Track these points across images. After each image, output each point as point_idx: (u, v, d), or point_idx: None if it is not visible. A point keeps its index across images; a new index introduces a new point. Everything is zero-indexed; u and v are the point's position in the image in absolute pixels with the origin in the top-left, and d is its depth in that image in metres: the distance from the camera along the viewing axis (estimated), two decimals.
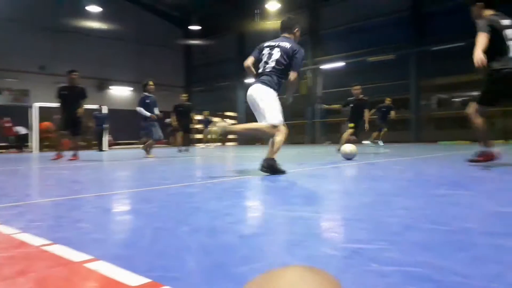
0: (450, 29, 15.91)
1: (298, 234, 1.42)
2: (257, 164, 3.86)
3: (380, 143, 12.01)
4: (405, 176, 3.51)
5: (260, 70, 4.02)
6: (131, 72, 24.09)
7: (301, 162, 5.53)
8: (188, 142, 12.22)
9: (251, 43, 23.43)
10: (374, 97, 18.98)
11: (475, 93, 17.80)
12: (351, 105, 8.85)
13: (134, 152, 13.52)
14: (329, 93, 20.65)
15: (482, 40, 3.72)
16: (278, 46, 4.00)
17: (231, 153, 10.75)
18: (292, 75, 3.87)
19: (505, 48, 3.81)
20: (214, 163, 6.38)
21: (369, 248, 1.18)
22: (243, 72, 20.32)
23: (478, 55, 3.60)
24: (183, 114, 11.38)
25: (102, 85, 22.00)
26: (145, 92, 8.66)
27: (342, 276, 0.95)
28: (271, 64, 3.90)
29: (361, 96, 8.72)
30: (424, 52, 16.98)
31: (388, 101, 13.00)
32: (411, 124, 17.83)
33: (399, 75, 17.42)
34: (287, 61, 3.87)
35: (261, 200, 2.33)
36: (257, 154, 9.11)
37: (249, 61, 4.08)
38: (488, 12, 4.04)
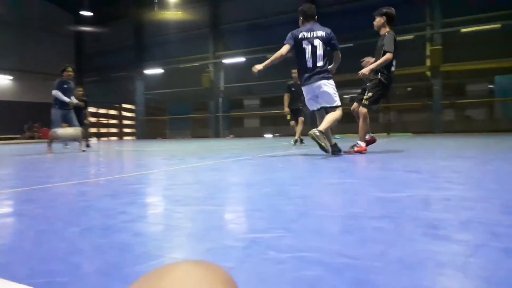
0: (340, 30, 17.21)
1: (198, 228, 1.40)
2: (154, 159, 3.73)
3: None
4: (301, 167, 3.71)
5: (310, 65, 4.65)
6: (11, 59, 21.44)
7: (202, 156, 5.50)
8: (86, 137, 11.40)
9: (149, 32, 22.57)
10: (272, 93, 19.83)
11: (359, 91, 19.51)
12: (293, 89, 8.94)
13: (17, 148, 12.12)
14: (231, 87, 20.92)
15: (388, 57, 4.73)
16: (317, 37, 4.63)
17: (130, 148, 10.26)
18: (338, 54, 4.87)
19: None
20: (111, 158, 6.02)
21: (267, 237, 1.21)
22: (142, 63, 19.41)
23: (367, 70, 4.77)
24: (78, 109, 10.61)
25: None
26: (63, 77, 7.87)
27: (241, 266, 0.96)
28: (320, 59, 4.63)
29: None
30: None
31: None
32: (307, 119, 18.89)
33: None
34: (327, 47, 4.68)
35: (160, 196, 2.26)
36: (157, 149, 8.84)
37: (285, 50, 4.70)
38: (389, 28, 4.96)
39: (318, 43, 4.60)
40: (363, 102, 5.05)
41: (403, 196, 1.88)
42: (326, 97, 4.73)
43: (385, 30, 5.00)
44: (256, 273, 0.92)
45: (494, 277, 0.86)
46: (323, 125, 4.55)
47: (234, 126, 22.48)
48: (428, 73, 15.97)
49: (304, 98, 6.93)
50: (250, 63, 20.17)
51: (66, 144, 10.05)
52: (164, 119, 24.25)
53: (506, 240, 1.13)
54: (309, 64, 4.64)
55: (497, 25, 14.52)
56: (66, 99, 7.49)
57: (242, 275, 0.92)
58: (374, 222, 1.39)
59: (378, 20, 5.02)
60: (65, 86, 7.67)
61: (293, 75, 8.96)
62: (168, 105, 23.73)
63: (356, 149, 5.03)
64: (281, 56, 4.69)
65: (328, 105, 4.76)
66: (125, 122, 30.05)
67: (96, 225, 1.45)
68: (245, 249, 1.11)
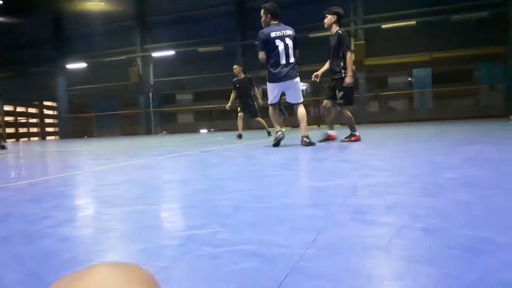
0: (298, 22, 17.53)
1: (129, 229, 1.34)
2: (80, 160, 3.52)
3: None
4: (236, 162, 3.73)
5: (283, 62, 4.85)
6: None
7: (133, 154, 5.31)
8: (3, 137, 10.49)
9: (70, 24, 21.13)
10: (203, 87, 19.65)
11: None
12: (237, 85, 9.00)
13: None
14: (162, 82, 20.35)
15: (351, 57, 5.20)
16: (287, 36, 4.88)
17: (53, 148, 9.59)
18: (297, 52, 5.01)
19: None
20: (32, 160, 5.58)
21: (202, 233, 1.20)
22: (64, 57, 18.11)
23: (351, 79, 5.26)
24: None
25: None
26: None
27: (174, 264, 0.94)
28: (292, 56, 4.89)
29: (243, 75, 9.01)
30: (248, 45, 18.26)
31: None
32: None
33: (228, 66, 18.35)
34: (295, 45, 4.95)
35: (88, 198, 2.14)
36: (83, 148, 8.38)
37: (264, 56, 4.87)
38: (338, 27, 5.25)
39: (288, 41, 4.87)
40: (338, 102, 5.37)
41: (333, 185, 1.97)
42: (296, 94, 5.08)
43: (336, 29, 5.26)
44: (191, 270, 0.91)
45: (415, 255, 0.93)
46: (304, 130, 5.01)
47: (167, 122, 21.94)
48: (353, 66, 16.84)
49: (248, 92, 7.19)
50: (180, 57, 19.80)
51: None
52: (90, 117, 22.94)
53: (425, 221, 1.23)
54: (283, 60, 4.84)
55: (412, 22, 15.70)
56: None
57: (176, 273, 0.90)
58: (306, 210, 1.43)
59: (329, 19, 5.26)
60: None
61: (235, 71, 9.18)
62: (94, 102, 22.47)
63: (352, 138, 5.41)
64: (263, 60, 4.93)
65: (294, 102, 5.09)
66: (47, 120, 28.02)
67: (17, 232, 1.34)
68: (180, 246, 1.09)
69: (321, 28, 6.12)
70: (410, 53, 15.93)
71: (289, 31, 4.94)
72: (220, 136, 10.68)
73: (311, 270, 0.85)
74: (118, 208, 1.68)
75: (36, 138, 26.06)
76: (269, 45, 4.84)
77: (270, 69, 4.91)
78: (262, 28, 4.93)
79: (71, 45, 21.23)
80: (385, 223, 1.22)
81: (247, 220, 1.34)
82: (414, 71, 16.73)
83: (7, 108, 22.79)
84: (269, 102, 5.10)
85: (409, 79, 17.51)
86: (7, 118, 22.19)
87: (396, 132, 8.26)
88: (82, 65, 20.75)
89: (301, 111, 5.07)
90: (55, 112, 24.38)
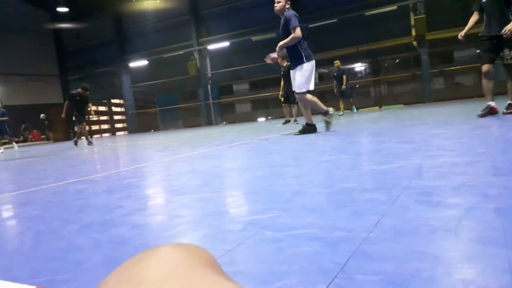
0: (323, 7, 17.10)
1: (195, 216, 1.41)
2: (148, 152, 3.71)
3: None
4: (294, 148, 3.72)
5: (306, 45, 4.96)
6: None
7: (196, 145, 5.50)
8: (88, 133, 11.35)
9: (130, 24, 22.17)
10: (259, 76, 19.71)
11: (352, 66, 19.45)
12: (281, 73, 10.07)
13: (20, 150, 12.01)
14: (219, 73, 20.75)
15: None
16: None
17: (123, 143, 10.20)
18: None
19: None
20: (105, 154, 5.99)
21: (263, 218, 1.23)
22: (126, 56, 19.08)
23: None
24: (82, 104, 10.49)
25: None
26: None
27: (238, 248, 0.98)
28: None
29: (285, 62, 9.70)
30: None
31: (337, 63, 12.83)
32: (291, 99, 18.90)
33: None
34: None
35: (156, 187, 2.27)
36: (150, 142, 8.81)
37: (300, 32, 4.80)
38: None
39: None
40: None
41: (395, 167, 1.91)
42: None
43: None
44: (254, 253, 0.94)
45: (485, 237, 0.88)
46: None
47: (226, 113, 22.40)
48: (415, 42, 15.94)
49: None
50: (234, 47, 20.02)
51: (75, 143, 10.31)
52: (154, 111, 24.06)
53: (497, 201, 1.16)
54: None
55: None
56: None
57: (240, 256, 0.93)
58: (367, 194, 1.41)
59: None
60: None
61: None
62: (157, 97, 23.52)
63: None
64: (298, 38, 4.83)
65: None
66: (116, 117, 29.83)
67: (94, 221, 1.46)
68: (242, 231, 1.12)
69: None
70: (477, 22, 14.70)
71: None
72: (278, 124, 10.69)
73: (374, 253, 0.84)
74: (185, 196, 1.77)
75: (107, 134, 27.88)
76: (301, 22, 4.90)
77: (303, 47, 4.91)
78: (296, 13, 4.96)
79: (132, 44, 22.31)
80: (453, 205, 1.16)
81: (307, 205, 1.35)
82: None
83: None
84: (310, 88, 4.96)
85: (477, 51, 16.23)
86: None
87: (464, 109, 7.73)
88: (144, 62, 21.73)
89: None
90: (123, 109, 25.88)
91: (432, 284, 0.68)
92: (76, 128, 10.63)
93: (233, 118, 21.82)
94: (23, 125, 21.62)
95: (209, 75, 20.97)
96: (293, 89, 5.05)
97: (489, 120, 4.33)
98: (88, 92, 10.36)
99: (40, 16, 23.73)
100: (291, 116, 10.31)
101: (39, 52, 23.46)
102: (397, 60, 18.39)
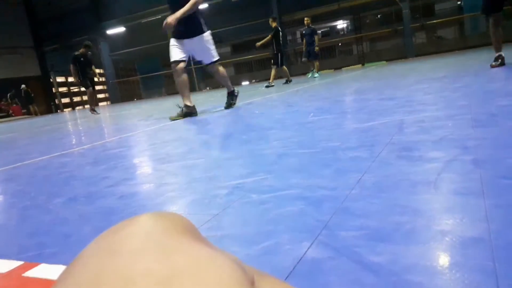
0: None
1: (181, 183, 1.42)
2: (132, 122, 3.66)
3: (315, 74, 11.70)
4: (278, 110, 3.72)
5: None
6: None
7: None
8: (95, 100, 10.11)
9: None
10: (240, 38, 19.32)
11: (333, 24, 19.11)
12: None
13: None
14: None
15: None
16: None
17: (106, 114, 10.03)
18: None
19: None
20: (89, 126, 5.90)
21: (249, 181, 1.24)
22: (103, 23, 18.37)
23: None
24: (86, 66, 9.29)
25: None
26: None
27: (224, 212, 0.99)
28: None
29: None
30: None
31: (307, 21, 11.46)
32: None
33: (263, 13, 17.83)
34: None
35: (142, 157, 2.26)
36: (133, 111, 8.69)
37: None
38: None
39: None
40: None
41: (377, 124, 1.93)
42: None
43: None
44: (240, 215, 0.96)
45: (465, 188, 0.91)
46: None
47: (209, 78, 22.07)
48: None
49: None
50: (213, 9, 19.42)
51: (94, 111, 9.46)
52: (135, 80, 23.57)
53: (476, 152, 1.19)
54: None
55: None
56: None
57: (227, 219, 0.95)
58: (350, 152, 1.43)
59: None
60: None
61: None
62: (137, 65, 22.96)
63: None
64: (201, 2, 4.24)
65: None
66: (97, 87, 29.18)
67: (80, 193, 1.46)
68: (228, 195, 1.13)
69: None
70: None
71: None
72: (261, 87, 10.61)
73: (356, 210, 0.87)
74: (170, 164, 1.77)
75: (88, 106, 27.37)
76: None
77: (201, 13, 4.45)
78: None
79: (109, 10, 21.44)
80: (433, 158, 1.19)
81: (291, 166, 1.36)
82: None
83: (59, 79, 23.92)
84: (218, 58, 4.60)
85: (458, 3, 16.10)
86: (60, 89, 23.37)
87: (445, 62, 7.76)
88: (121, 29, 21.01)
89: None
90: (103, 79, 25.26)
91: (412, 236, 0.70)
92: (88, 93, 9.62)
93: (216, 84, 21.54)
94: (9, 94, 20.89)
95: None
96: (207, 60, 4.51)
97: (489, 71, 4.37)
98: (90, 53, 9.40)
99: None
100: (286, 76, 10.15)
101: (11, 23, 22.39)
102: (378, 16, 18.18)
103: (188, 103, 4.24)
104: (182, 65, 4.26)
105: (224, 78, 4.62)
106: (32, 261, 0.87)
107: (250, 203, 1.03)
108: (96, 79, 9.78)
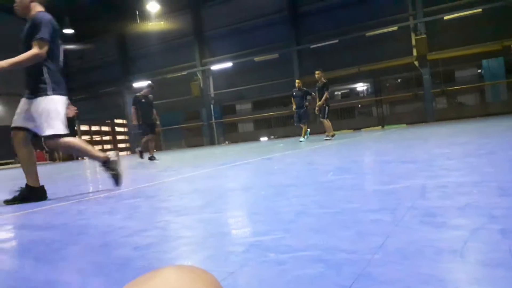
0: (324, 27, 17.36)
1: (197, 237, 1.40)
2: (150, 172, 3.69)
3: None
4: (297, 167, 3.71)
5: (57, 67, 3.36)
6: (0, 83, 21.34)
7: (198, 165, 5.49)
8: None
9: (134, 45, 22.52)
10: (261, 96, 19.87)
11: (353, 86, 19.62)
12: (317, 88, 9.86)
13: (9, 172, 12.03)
14: (222, 94, 20.91)
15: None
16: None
17: (125, 163, 10.20)
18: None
19: None
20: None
21: (266, 239, 1.22)
22: (130, 76, 19.40)
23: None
24: (148, 109, 8.71)
25: None
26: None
27: (241, 270, 0.96)
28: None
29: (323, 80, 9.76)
30: (304, 50, 18.22)
31: (298, 83, 11.04)
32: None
33: (284, 73, 18.45)
34: None
35: (158, 208, 2.25)
36: (154, 161, 8.81)
37: (46, 49, 3.17)
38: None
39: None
40: None
41: (399, 187, 1.89)
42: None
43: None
44: (257, 275, 0.93)
45: (494, 259, 0.86)
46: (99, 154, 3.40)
47: (229, 132, 22.47)
48: (416, 62, 16.10)
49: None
50: (237, 67, 20.27)
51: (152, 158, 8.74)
52: (157, 131, 24.21)
53: (503, 222, 1.14)
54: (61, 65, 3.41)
55: (478, 10, 14.67)
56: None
57: (243, 278, 0.92)
58: (371, 215, 1.39)
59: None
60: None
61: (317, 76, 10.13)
62: (160, 117, 23.68)
63: None
64: (40, 57, 3.11)
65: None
66: (119, 137, 29.96)
67: (96, 242, 1.45)
68: (245, 253, 1.11)
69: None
70: (478, 43, 14.85)
71: None
72: (281, 143, 10.70)
73: (380, 276, 0.83)
74: (187, 216, 1.75)
75: None
76: (55, 36, 3.23)
77: (51, 73, 3.25)
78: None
79: (136, 64, 22.61)
80: (458, 226, 1.15)
81: (310, 226, 1.33)
82: (484, 62, 15.59)
83: (83, 127, 24.78)
84: (62, 132, 3.18)
85: (479, 71, 16.34)
86: (83, 137, 24.13)
87: (467, 128, 7.73)
88: (147, 82, 21.92)
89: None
90: (126, 129, 26.01)
91: None
92: (143, 139, 8.89)
93: (235, 138, 21.88)
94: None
95: (212, 95, 21.14)
96: (43, 131, 3.14)
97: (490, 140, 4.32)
98: (152, 96, 8.70)
99: None
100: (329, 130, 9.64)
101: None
102: (398, 80, 18.53)
103: (31, 183, 3.17)
104: (21, 135, 3.22)
105: (81, 151, 3.32)
106: None
107: (268, 263, 1.00)
108: (158, 122, 9.16)
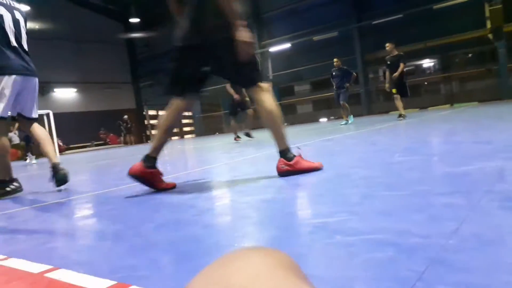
0: (386, 2, 16.46)
1: (263, 216, 1.42)
2: (215, 154, 3.80)
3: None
4: (360, 149, 3.62)
5: (14, 43, 3.01)
6: (73, 72, 23.08)
7: (260, 147, 5.56)
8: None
9: None
10: (320, 76, 19.44)
11: (419, 62, 18.50)
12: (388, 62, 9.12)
13: (88, 155, 13.01)
14: (280, 75, 20.81)
15: None
16: (18, 10, 3.14)
17: (191, 146, 10.60)
18: None
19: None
20: (175, 157, 6.28)
21: (332, 221, 1.21)
22: None
23: None
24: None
25: (44, 89, 20.85)
26: None
27: (308, 251, 0.97)
28: (25, 42, 3.13)
29: (396, 52, 9.05)
30: (365, 27, 17.48)
31: (336, 62, 10.67)
32: (362, 97, 18.41)
33: (345, 51, 17.86)
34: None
35: (224, 188, 2.32)
36: (216, 144, 9.06)
37: None
38: None
39: (20, 17, 3.12)
40: None
41: (473, 169, 1.78)
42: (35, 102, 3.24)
43: None
44: (325, 257, 0.93)
45: None
46: (53, 157, 3.07)
47: (287, 114, 22.39)
48: (490, 35, 14.76)
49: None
50: (295, 48, 19.96)
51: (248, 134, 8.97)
52: (219, 115, 24.76)
53: None
54: (13, 41, 3.00)
55: None
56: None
57: (309, 259, 0.92)
58: (443, 198, 1.33)
59: None
60: None
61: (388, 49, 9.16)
62: (222, 101, 24.14)
63: None
64: None
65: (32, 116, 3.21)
66: (184, 121, 31.10)
67: (169, 220, 1.53)
68: (311, 234, 1.11)
69: None
70: None
71: (19, 7, 3.20)
72: (341, 123, 10.46)
73: (455, 263, 0.79)
74: (251, 197, 1.80)
75: (176, 137, 29.22)
76: None
77: None
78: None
79: None
80: None
81: (378, 209, 1.30)
82: None
83: (151, 112, 26.10)
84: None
85: None
86: (152, 121, 25.42)
87: None
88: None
89: (40, 131, 3.18)
90: (190, 113, 26.91)
91: None
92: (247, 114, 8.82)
93: (294, 119, 21.75)
94: (101, 130, 23.35)
95: (271, 77, 21.10)
96: (29, 113, 3.16)
97: None
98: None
99: (114, 27, 25.56)
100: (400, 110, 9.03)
101: (114, 61, 25.31)
102: (469, 55, 17.16)
103: (5, 177, 3.02)
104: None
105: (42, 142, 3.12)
106: (124, 282, 0.92)
107: (334, 245, 0.99)
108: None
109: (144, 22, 23.62)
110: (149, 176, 2.33)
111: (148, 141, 18.93)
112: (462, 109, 11.14)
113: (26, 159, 11.08)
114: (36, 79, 3.16)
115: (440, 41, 15.72)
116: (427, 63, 18.82)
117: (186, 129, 29.98)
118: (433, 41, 15.86)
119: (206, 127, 24.46)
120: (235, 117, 8.72)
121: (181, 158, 5.81)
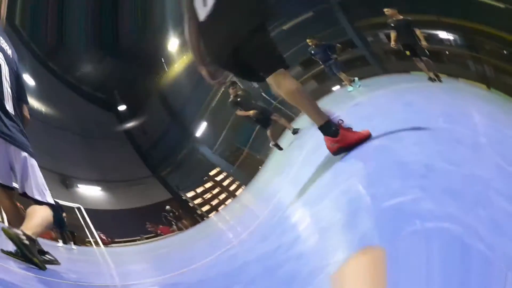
0: None
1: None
2: None
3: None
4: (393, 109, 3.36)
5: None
6: (89, 168, 20.76)
7: None
8: None
9: None
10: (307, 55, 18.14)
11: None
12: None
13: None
14: None
15: None
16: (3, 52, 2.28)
17: None
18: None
19: None
20: None
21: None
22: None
23: None
24: None
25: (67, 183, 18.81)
26: None
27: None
28: (9, 99, 2.24)
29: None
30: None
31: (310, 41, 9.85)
32: (368, 59, 17.13)
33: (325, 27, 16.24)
34: (19, 89, 2.38)
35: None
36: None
37: None
38: None
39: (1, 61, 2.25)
40: None
41: None
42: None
43: None
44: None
45: None
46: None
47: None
48: None
49: None
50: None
51: None
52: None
53: None
54: None
55: None
56: None
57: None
58: None
59: None
60: None
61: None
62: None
63: None
64: None
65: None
66: None
67: None
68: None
69: None
70: None
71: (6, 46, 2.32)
72: (348, 90, 9.84)
73: None
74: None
75: None
76: None
77: None
78: None
79: None
80: None
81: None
82: None
83: (189, 194, 24.84)
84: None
85: None
86: (196, 201, 24.41)
87: None
88: None
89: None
90: None
91: None
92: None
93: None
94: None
95: None
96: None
97: None
98: None
99: (108, 118, 22.22)
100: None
101: (122, 155, 22.58)
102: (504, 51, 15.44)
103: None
104: None
105: None
106: None
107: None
108: None
109: (131, 107, 20.77)
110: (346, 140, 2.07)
111: (204, 218, 14.71)
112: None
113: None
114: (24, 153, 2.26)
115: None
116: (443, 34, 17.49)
117: None
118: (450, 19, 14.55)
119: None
120: (268, 127, 8.21)
121: None
